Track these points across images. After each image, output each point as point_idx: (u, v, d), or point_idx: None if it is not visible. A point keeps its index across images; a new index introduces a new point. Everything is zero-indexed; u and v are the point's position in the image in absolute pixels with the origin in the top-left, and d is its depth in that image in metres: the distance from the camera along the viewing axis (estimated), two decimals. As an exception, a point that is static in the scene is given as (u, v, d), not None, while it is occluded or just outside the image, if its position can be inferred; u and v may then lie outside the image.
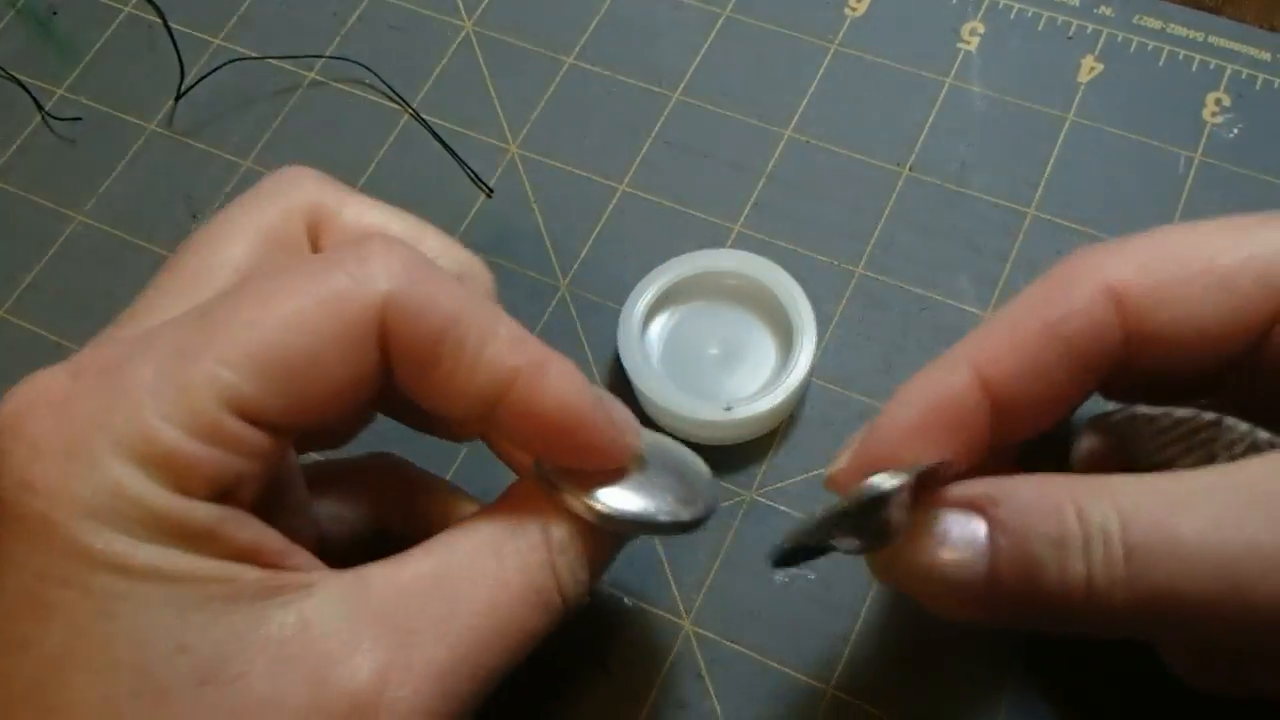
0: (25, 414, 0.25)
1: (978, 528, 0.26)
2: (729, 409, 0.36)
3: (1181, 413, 0.27)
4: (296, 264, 0.26)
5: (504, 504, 0.29)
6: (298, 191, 0.31)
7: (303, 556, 0.26)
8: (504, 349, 0.27)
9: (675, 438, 0.34)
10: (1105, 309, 0.27)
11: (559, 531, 0.28)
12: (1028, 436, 0.29)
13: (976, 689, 0.34)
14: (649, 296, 0.39)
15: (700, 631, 0.35)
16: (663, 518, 0.29)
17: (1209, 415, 0.27)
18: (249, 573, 0.25)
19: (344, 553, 0.31)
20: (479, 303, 0.27)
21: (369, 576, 0.26)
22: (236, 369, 0.25)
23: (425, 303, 0.26)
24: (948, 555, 0.27)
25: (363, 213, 0.31)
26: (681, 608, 0.36)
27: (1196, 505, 0.24)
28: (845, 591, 0.35)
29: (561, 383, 0.27)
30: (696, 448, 0.33)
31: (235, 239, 0.29)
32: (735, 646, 0.35)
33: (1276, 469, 0.25)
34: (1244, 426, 0.27)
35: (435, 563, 0.27)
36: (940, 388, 0.28)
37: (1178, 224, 0.30)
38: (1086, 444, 0.30)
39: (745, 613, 0.35)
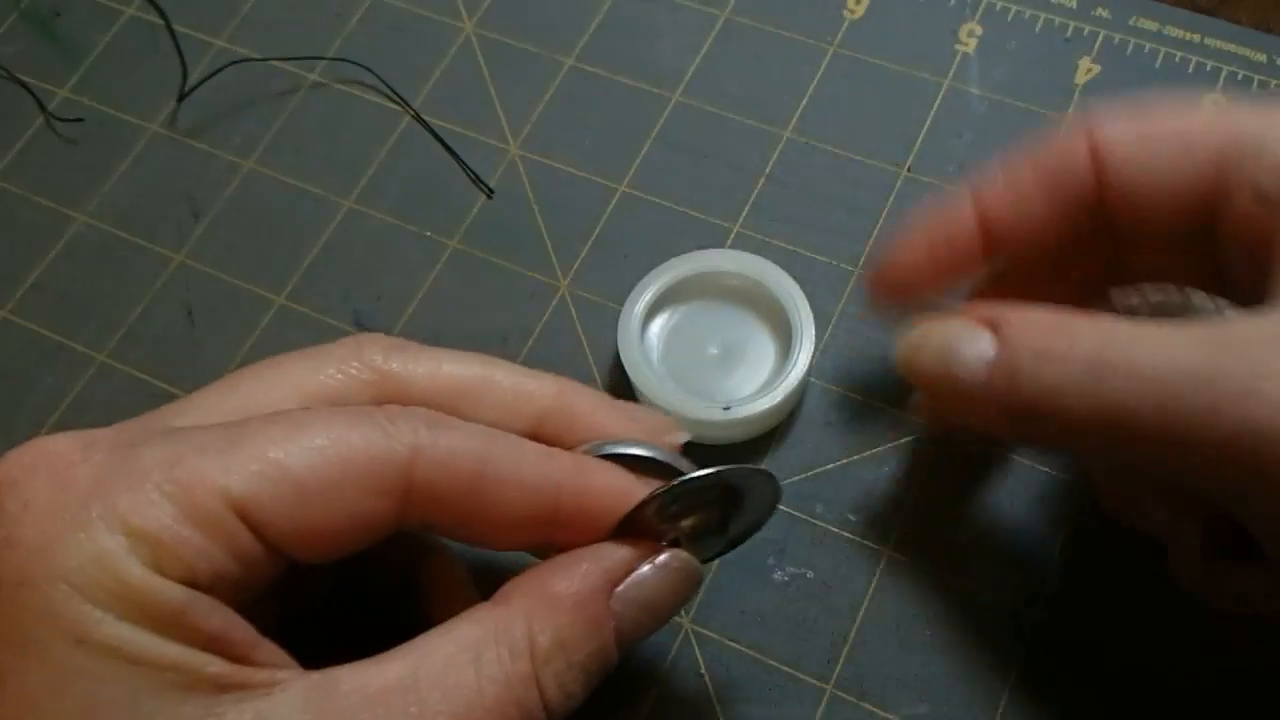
0: (26, 471, 0.25)
1: (987, 344, 0.30)
2: (728, 409, 0.37)
3: (1152, 293, 0.32)
4: (336, 408, 0.27)
5: (489, 607, 0.28)
6: (365, 361, 0.30)
7: (272, 651, 0.26)
8: (539, 468, 0.28)
9: None
10: (1083, 158, 0.31)
11: (545, 638, 0.27)
12: (1020, 261, 0.34)
13: (976, 689, 0.34)
14: (649, 296, 0.39)
15: (700, 631, 0.36)
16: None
17: (1177, 295, 0.31)
18: (210, 665, 0.24)
19: (315, 616, 0.30)
20: (501, 437, 0.28)
21: (337, 680, 0.25)
22: (254, 474, 0.25)
23: (451, 450, 0.27)
24: (959, 364, 0.30)
25: (436, 371, 0.31)
26: (682, 607, 0.36)
27: (1158, 340, 0.28)
28: (845, 591, 0.36)
29: (606, 479, 0.29)
30: (697, 448, 0.33)
31: (291, 388, 0.29)
32: (735, 646, 0.35)
33: (1228, 329, 0.28)
34: (1211, 304, 0.31)
35: (407, 667, 0.26)
36: (944, 216, 0.34)
37: (1178, 100, 0.32)
38: None
39: (745, 613, 0.36)
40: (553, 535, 0.29)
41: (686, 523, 0.30)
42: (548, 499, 0.28)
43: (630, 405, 0.33)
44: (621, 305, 0.39)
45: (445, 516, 0.27)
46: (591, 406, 0.32)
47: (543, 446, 0.29)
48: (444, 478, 0.27)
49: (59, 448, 0.25)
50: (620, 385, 0.39)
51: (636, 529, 0.29)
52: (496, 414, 0.31)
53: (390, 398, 0.30)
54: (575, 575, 0.28)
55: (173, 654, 0.24)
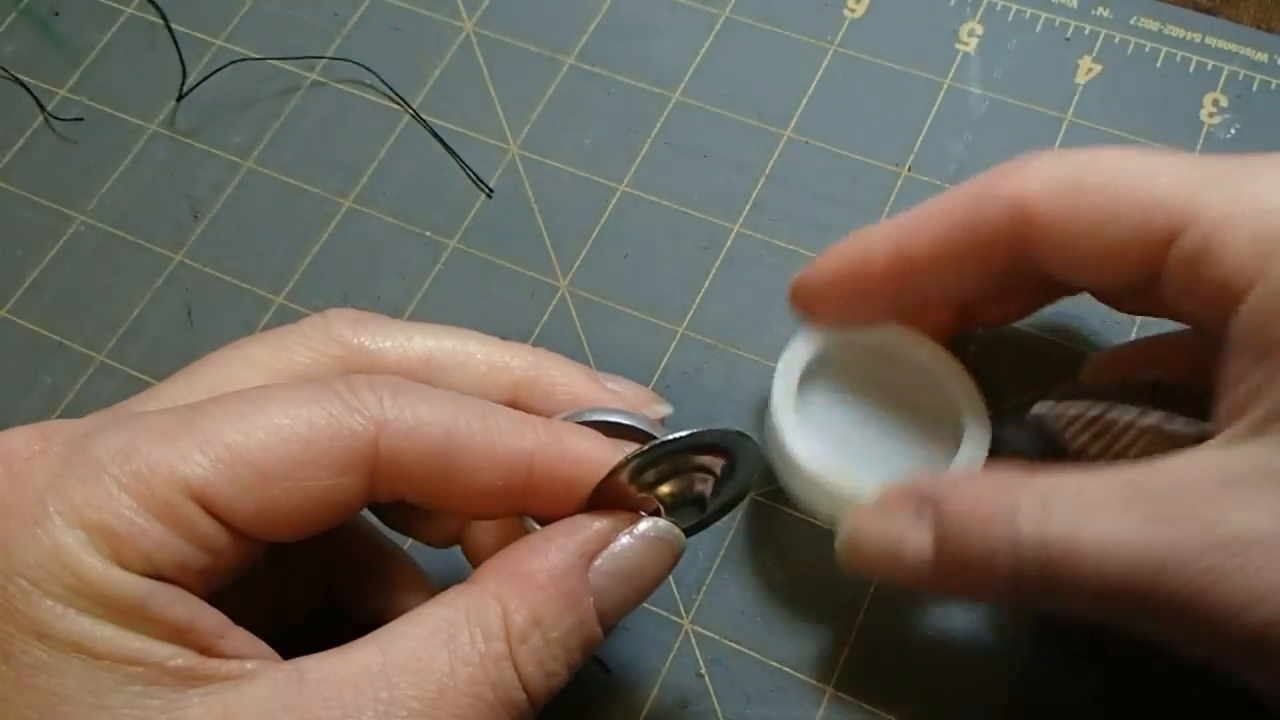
0: None
1: (926, 536, 0.29)
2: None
3: (1076, 409, 0.32)
4: (296, 384, 0.27)
5: (461, 589, 0.27)
6: (333, 336, 0.30)
7: (243, 640, 0.25)
8: (511, 436, 0.27)
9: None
10: (1011, 218, 0.30)
11: (519, 616, 0.26)
12: (942, 301, 0.34)
13: (976, 689, 0.34)
14: (798, 371, 0.35)
15: (700, 631, 0.36)
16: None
17: (1098, 409, 0.31)
18: (175, 656, 0.24)
19: (292, 627, 0.30)
20: (470, 403, 0.27)
21: (305, 669, 0.25)
22: (211, 460, 0.24)
23: (417, 421, 0.26)
24: (905, 555, 0.30)
25: (407, 344, 0.30)
26: (681, 607, 0.36)
27: (1106, 508, 0.27)
28: (845, 591, 0.36)
29: (581, 445, 0.28)
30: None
31: (257, 369, 0.29)
32: (735, 646, 0.35)
33: (1167, 468, 0.27)
34: (1129, 415, 0.31)
35: (376, 653, 0.25)
36: (858, 254, 0.33)
37: (1105, 147, 0.31)
38: (1012, 435, 0.34)
39: (745, 613, 0.36)
40: (527, 503, 0.28)
41: (665, 490, 0.29)
42: (521, 467, 0.27)
43: (609, 376, 0.33)
44: (621, 306, 0.39)
45: (415, 489, 0.27)
46: (569, 376, 0.31)
47: (515, 412, 0.28)
48: (411, 450, 0.26)
49: (15, 443, 0.25)
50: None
51: (613, 499, 0.28)
52: (471, 387, 0.30)
53: (359, 371, 0.29)
54: (549, 551, 0.27)
55: (136, 647, 0.23)
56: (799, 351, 0.35)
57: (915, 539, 0.29)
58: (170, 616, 0.24)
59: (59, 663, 0.23)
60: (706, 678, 0.35)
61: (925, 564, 0.29)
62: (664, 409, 0.32)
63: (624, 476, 0.28)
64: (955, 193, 0.32)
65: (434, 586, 0.32)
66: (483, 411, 0.27)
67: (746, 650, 0.35)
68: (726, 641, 0.35)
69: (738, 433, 0.30)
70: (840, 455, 0.34)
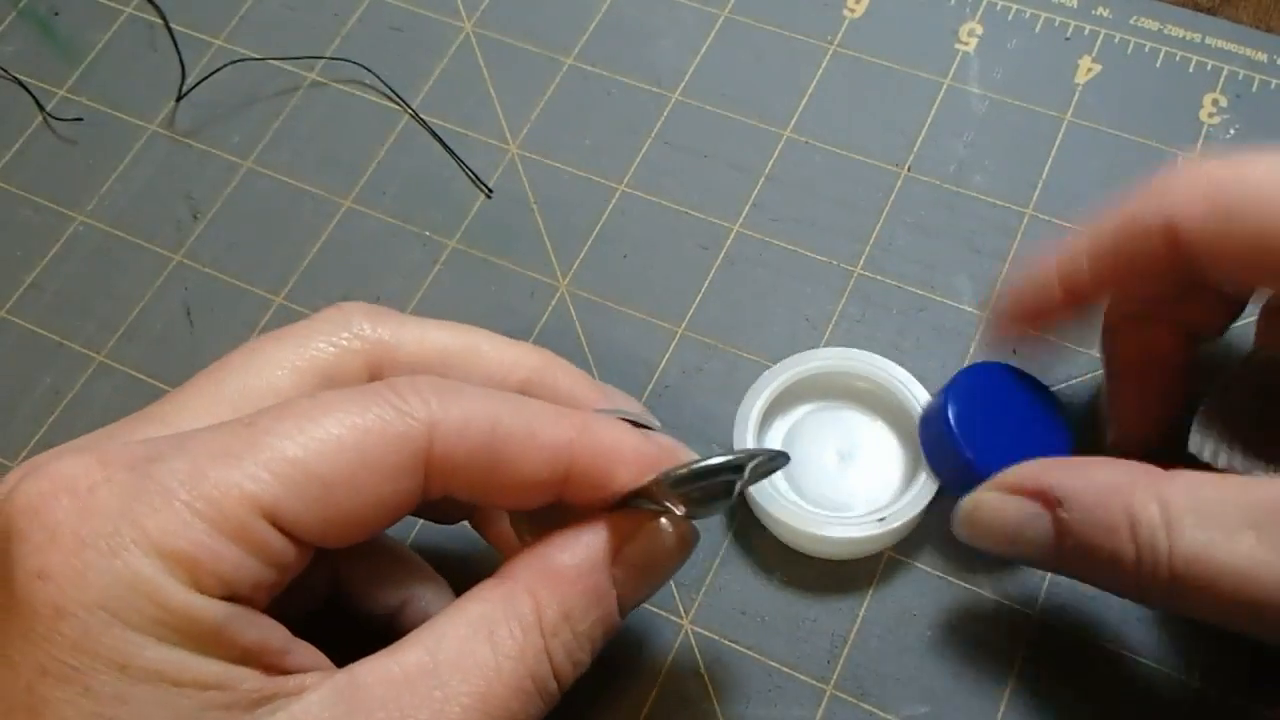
0: (47, 499, 0.24)
1: (1046, 527, 0.30)
2: (883, 519, 0.35)
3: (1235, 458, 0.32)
4: (343, 391, 0.27)
5: (495, 584, 0.28)
6: (353, 330, 0.30)
7: (304, 653, 0.26)
8: (550, 427, 0.28)
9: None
10: (1163, 244, 0.30)
11: (551, 611, 0.27)
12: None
13: (976, 689, 0.34)
14: (761, 403, 0.37)
15: (700, 631, 0.36)
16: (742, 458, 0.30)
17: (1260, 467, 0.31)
18: (248, 680, 0.24)
19: (298, 622, 0.31)
20: (509, 398, 0.28)
21: (359, 674, 0.26)
22: (276, 476, 0.25)
23: (464, 419, 0.27)
24: (1023, 540, 0.30)
25: (423, 338, 0.31)
26: (681, 607, 0.36)
27: (1242, 530, 0.27)
28: (845, 591, 0.36)
29: (613, 433, 0.29)
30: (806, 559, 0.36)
31: (284, 368, 0.29)
32: (735, 646, 0.35)
33: None
34: None
35: (425, 652, 0.26)
36: (1038, 288, 0.34)
37: (1257, 154, 0.30)
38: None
39: (745, 613, 0.36)
40: (565, 492, 0.28)
41: (694, 493, 0.29)
42: (562, 456, 0.28)
43: (609, 388, 0.33)
44: (620, 306, 0.39)
45: (464, 484, 0.27)
46: (572, 380, 0.32)
47: (550, 405, 0.29)
48: (461, 447, 0.27)
49: (75, 470, 0.25)
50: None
51: (640, 494, 0.29)
52: (482, 382, 0.31)
53: (380, 364, 0.30)
54: (577, 548, 0.28)
55: (214, 672, 0.24)
56: (757, 393, 0.37)
57: (1034, 527, 0.30)
58: (244, 639, 0.24)
59: (141, 693, 0.23)
60: (706, 678, 0.35)
61: (1044, 551, 0.30)
62: (654, 423, 0.33)
63: (658, 484, 0.29)
64: (1107, 222, 0.32)
65: (436, 573, 0.32)
66: (520, 405, 0.28)
67: (746, 650, 0.35)
68: (726, 641, 0.35)
69: (780, 453, 0.31)
70: (805, 490, 0.36)
